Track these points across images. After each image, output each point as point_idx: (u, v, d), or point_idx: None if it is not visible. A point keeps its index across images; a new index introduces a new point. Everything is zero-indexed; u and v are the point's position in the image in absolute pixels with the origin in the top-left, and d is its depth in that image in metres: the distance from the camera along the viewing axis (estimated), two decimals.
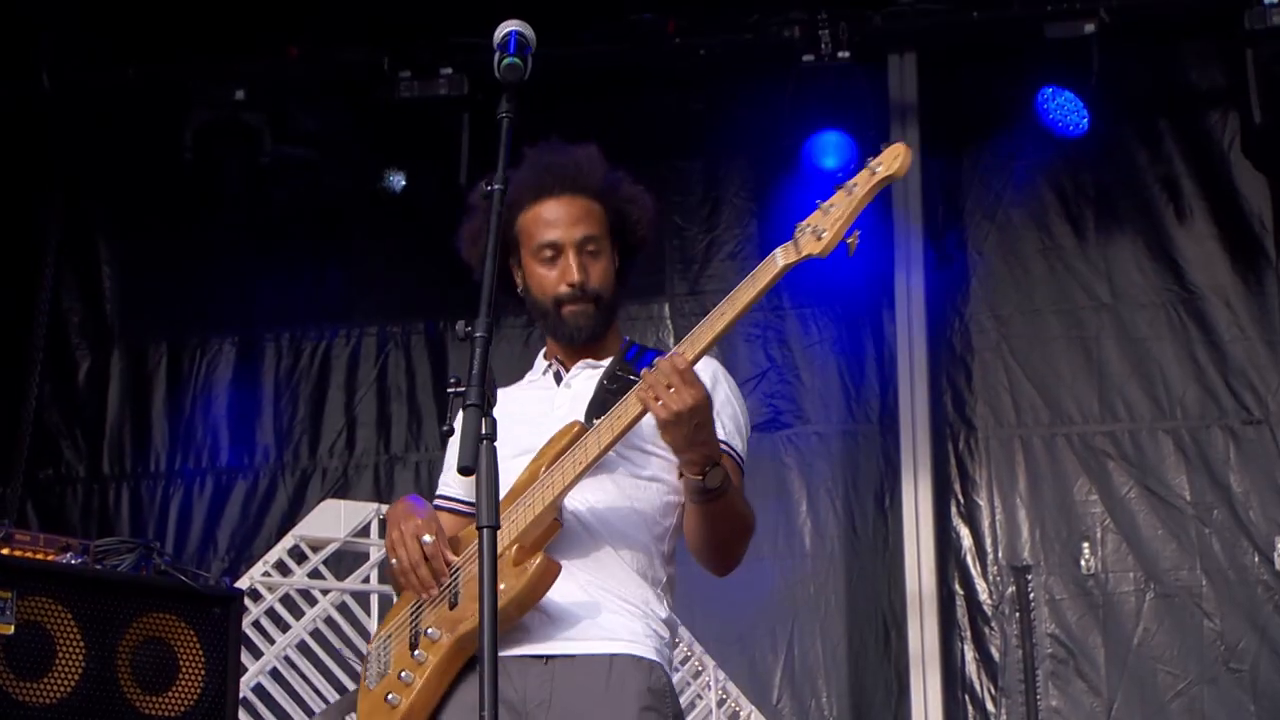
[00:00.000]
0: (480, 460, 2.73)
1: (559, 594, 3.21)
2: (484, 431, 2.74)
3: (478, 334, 2.83)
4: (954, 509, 6.88)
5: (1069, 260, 7.00)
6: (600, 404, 3.32)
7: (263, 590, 6.15)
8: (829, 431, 7.07)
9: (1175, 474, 6.73)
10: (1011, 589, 6.72)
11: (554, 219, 3.40)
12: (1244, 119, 6.74)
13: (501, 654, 3.12)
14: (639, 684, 3.22)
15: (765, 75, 6.98)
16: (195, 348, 7.50)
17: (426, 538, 3.23)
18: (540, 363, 3.58)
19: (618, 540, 3.30)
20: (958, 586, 6.81)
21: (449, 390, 2.81)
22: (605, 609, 3.25)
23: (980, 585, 6.79)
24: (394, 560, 3.28)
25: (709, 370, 3.40)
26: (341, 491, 7.10)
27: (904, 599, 6.78)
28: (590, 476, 3.26)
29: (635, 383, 3.32)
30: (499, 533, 3.15)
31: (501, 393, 3.49)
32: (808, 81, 6.85)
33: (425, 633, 3.25)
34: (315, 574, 6.26)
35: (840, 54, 6.68)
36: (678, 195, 7.36)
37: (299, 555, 6.27)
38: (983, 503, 6.85)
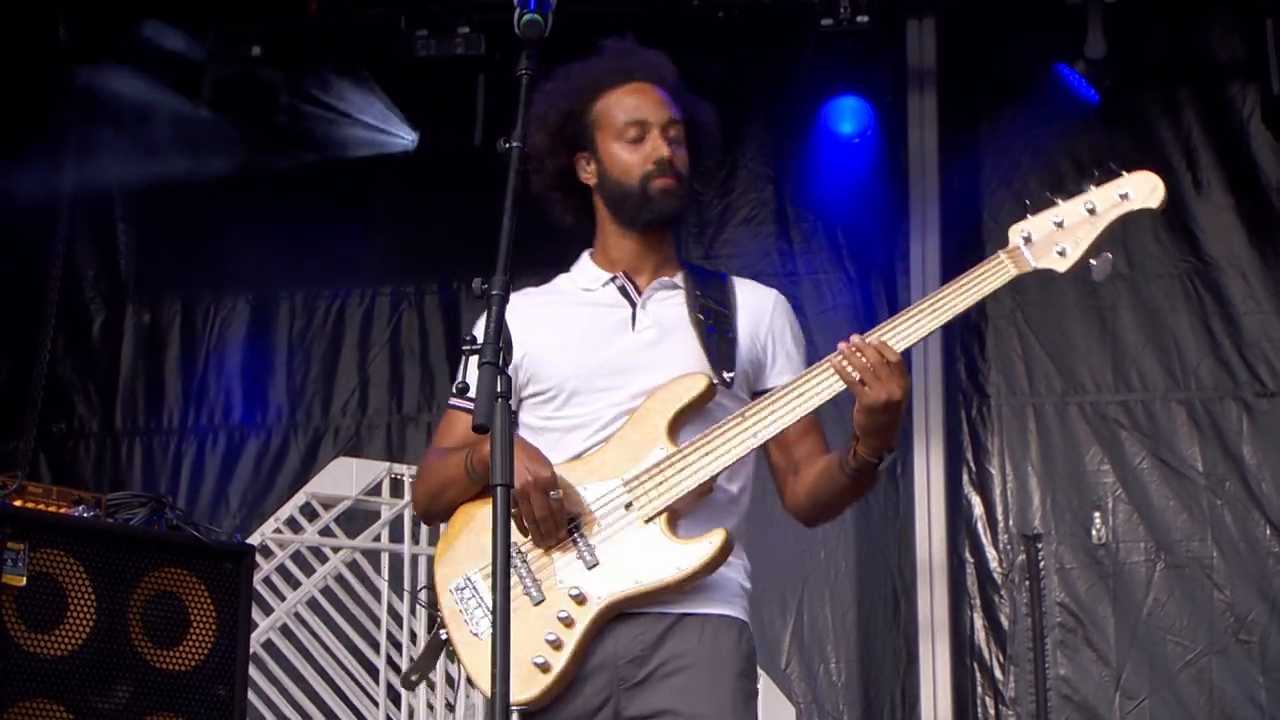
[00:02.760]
0: (495, 419, 2.72)
1: None
2: (499, 390, 2.73)
3: (494, 292, 2.81)
4: (965, 476, 6.87)
5: None
6: (716, 350, 3.29)
7: (274, 547, 6.18)
8: (842, 397, 7.02)
9: (1188, 445, 6.71)
10: (1022, 557, 6.71)
11: (639, 101, 3.39)
12: (1264, 90, 6.72)
13: None
14: (734, 648, 3.22)
15: (783, 39, 6.95)
16: (209, 304, 7.50)
17: (554, 493, 3.15)
18: (591, 269, 3.47)
19: (720, 495, 3.27)
20: (968, 554, 6.81)
21: (464, 349, 2.79)
22: None
23: (990, 553, 6.79)
24: (517, 509, 3.17)
25: (784, 306, 3.44)
26: (354, 451, 7.10)
27: (914, 566, 6.78)
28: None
29: (725, 314, 3.34)
30: (632, 488, 3.18)
31: (528, 294, 3.44)
32: (826, 46, 6.81)
33: (569, 594, 3.16)
34: (326, 531, 6.28)
35: (859, 19, 6.64)
36: None
37: (310, 512, 6.29)
38: (994, 471, 6.85)
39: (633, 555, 3.17)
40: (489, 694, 3.14)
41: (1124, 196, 3.13)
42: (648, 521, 3.18)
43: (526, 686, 3.14)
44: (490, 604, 3.17)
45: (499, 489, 2.68)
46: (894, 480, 6.91)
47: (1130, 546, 6.67)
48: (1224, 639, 6.49)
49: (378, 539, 6.29)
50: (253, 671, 5.52)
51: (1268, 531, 6.55)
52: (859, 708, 6.77)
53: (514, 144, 2.99)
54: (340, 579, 6.28)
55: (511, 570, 3.19)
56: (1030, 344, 6.90)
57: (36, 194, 7.44)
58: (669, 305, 3.38)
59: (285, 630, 6.17)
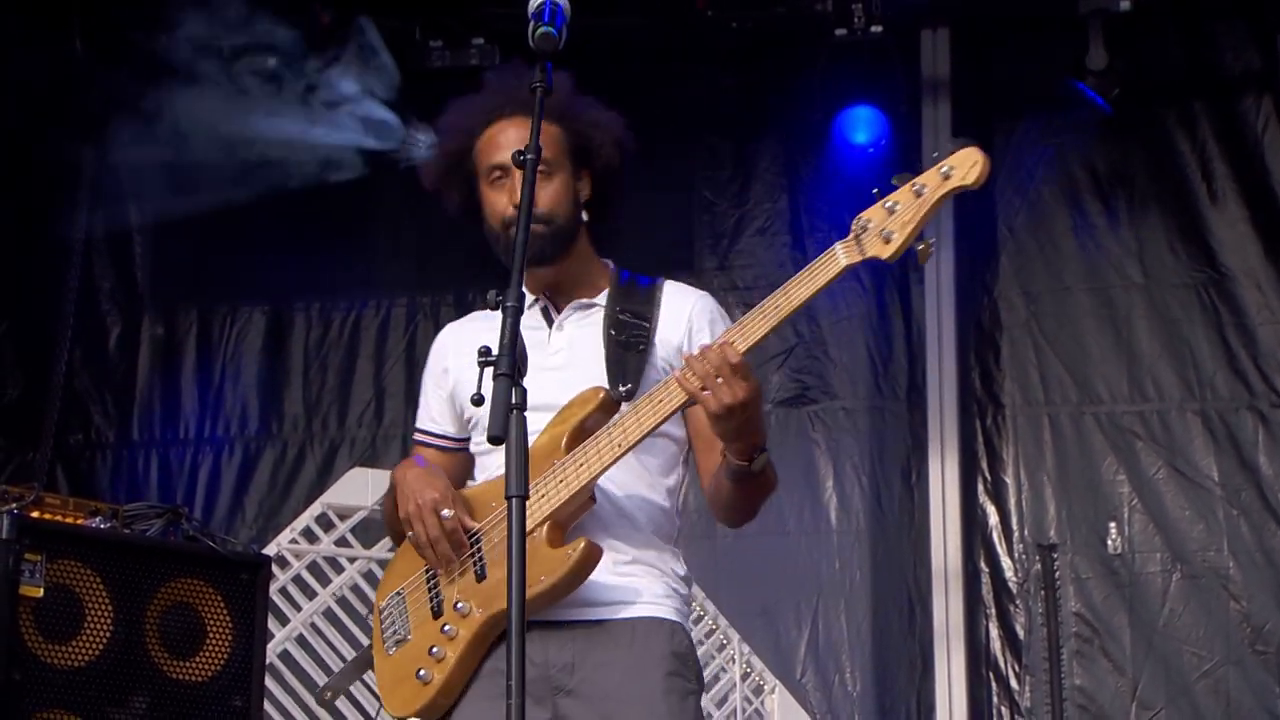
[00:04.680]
0: (510, 430, 2.72)
1: None
2: (514, 401, 2.73)
3: (509, 303, 2.81)
4: (980, 486, 6.87)
5: (1100, 239, 6.97)
6: (619, 363, 3.28)
7: (290, 557, 6.18)
8: (856, 407, 7.06)
9: (1204, 455, 6.71)
10: (1037, 567, 6.71)
11: (502, 140, 3.32)
12: (1277, 102, 6.74)
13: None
14: (663, 647, 3.21)
15: (797, 49, 6.96)
16: (225, 316, 7.52)
17: (446, 512, 3.19)
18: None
19: (634, 501, 3.28)
20: (983, 564, 6.81)
21: (479, 361, 2.80)
22: (626, 572, 3.24)
23: (1006, 563, 6.79)
24: (410, 534, 3.25)
25: (706, 307, 3.40)
26: (369, 461, 7.10)
27: (929, 576, 6.79)
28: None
29: (641, 325, 3.32)
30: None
31: (461, 324, 3.50)
32: (840, 56, 6.83)
33: (455, 606, 3.20)
34: (342, 542, 6.29)
35: (873, 28, 6.65)
36: (708, 170, 7.36)
37: (326, 523, 6.29)
38: (1009, 480, 6.85)
39: None
40: (387, 709, 3.27)
41: (946, 176, 3.04)
42: (529, 533, 3.12)
43: (412, 700, 3.22)
44: (407, 619, 3.30)
45: (513, 500, 2.68)
46: (909, 489, 6.92)
47: (1146, 557, 6.67)
48: (1240, 649, 6.49)
49: (393, 549, 6.29)
50: (269, 682, 5.52)
51: None
52: (874, 718, 6.77)
53: (527, 156, 3.00)
54: (356, 589, 6.28)
55: (425, 588, 3.27)
56: (1045, 354, 6.90)
57: (54, 208, 7.47)
58: (585, 325, 3.37)
59: (301, 641, 6.18)
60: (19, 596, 4.15)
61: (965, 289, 7.02)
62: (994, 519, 6.84)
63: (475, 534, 3.24)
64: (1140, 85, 6.77)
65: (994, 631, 6.75)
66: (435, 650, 3.21)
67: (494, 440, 2.70)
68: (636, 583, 3.24)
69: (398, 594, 3.35)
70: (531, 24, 3.07)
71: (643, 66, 7.10)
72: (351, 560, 6.28)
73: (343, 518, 6.30)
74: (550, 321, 3.39)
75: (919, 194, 3.04)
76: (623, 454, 3.16)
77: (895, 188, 3.07)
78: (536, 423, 3.21)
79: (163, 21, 7.00)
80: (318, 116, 6.98)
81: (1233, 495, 6.63)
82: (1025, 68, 7.01)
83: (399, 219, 7.48)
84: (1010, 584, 6.77)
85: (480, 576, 3.21)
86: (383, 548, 6.30)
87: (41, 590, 4.20)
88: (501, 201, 3.31)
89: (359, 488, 6.39)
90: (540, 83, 3.08)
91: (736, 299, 7.13)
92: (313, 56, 6.89)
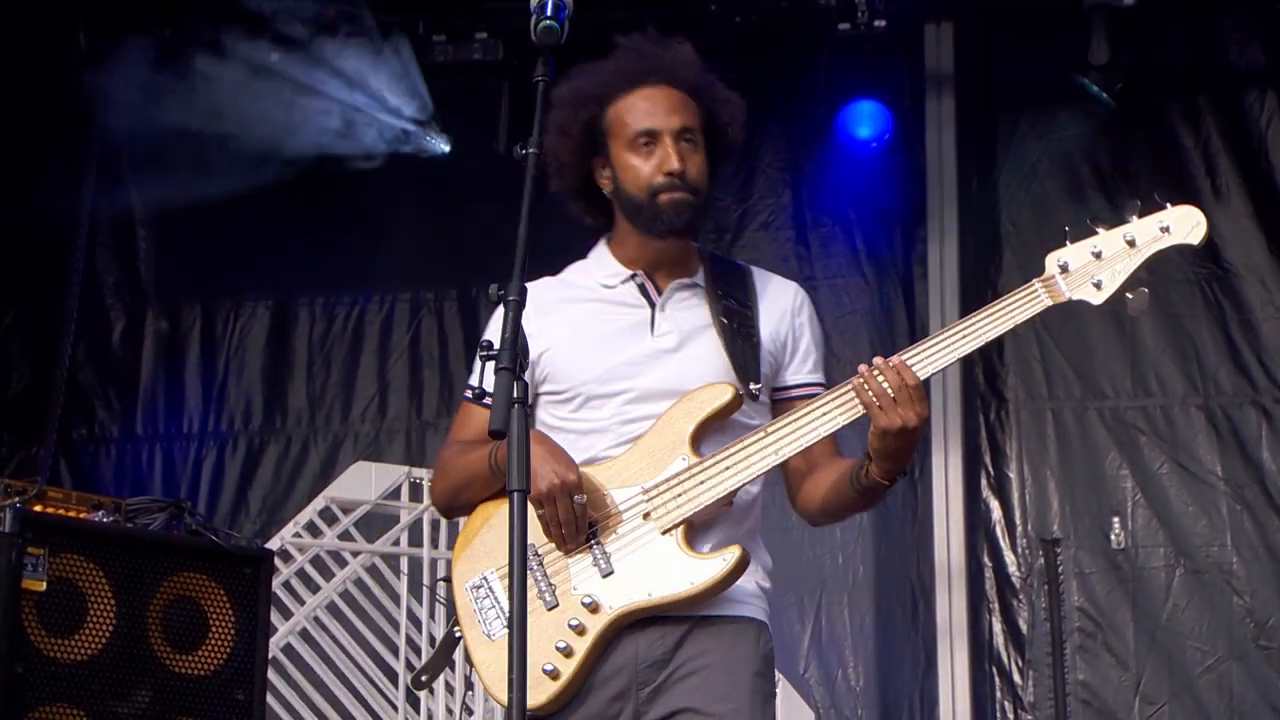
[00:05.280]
0: (511, 425, 2.72)
1: None
2: (516, 396, 2.73)
3: (510, 297, 2.81)
4: (984, 481, 6.87)
5: None
6: (741, 359, 3.27)
7: (293, 551, 6.20)
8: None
9: (1207, 450, 6.70)
10: (1040, 562, 6.70)
11: (650, 107, 3.32)
12: None
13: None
14: (752, 649, 3.24)
15: (800, 44, 6.96)
16: (229, 310, 7.51)
17: (579, 498, 3.15)
18: (610, 262, 3.41)
19: (742, 497, 3.27)
20: (986, 559, 6.80)
21: (480, 355, 2.79)
22: None
23: (1009, 558, 6.78)
24: (542, 511, 3.16)
25: (806, 302, 3.43)
26: (373, 456, 7.10)
27: (932, 570, 6.78)
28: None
29: (747, 315, 3.32)
30: (651, 498, 3.18)
31: (543, 286, 3.36)
32: (843, 50, 6.83)
33: (581, 601, 3.17)
34: (345, 536, 6.30)
35: (876, 23, 6.64)
36: None
37: (330, 517, 6.30)
38: (1013, 475, 6.84)
39: (648, 566, 3.17)
40: (499, 699, 3.12)
41: (1165, 230, 3.11)
42: (665, 533, 3.17)
43: (534, 693, 3.12)
44: (506, 606, 3.18)
45: (515, 494, 2.69)
46: (912, 484, 6.90)
47: (1149, 552, 6.66)
48: (1244, 644, 6.48)
49: (397, 543, 6.31)
50: (272, 676, 5.53)
51: None
52: (877, 712, 6.76)
53: (530, 150, 2.99)
54: (359, 583, 6.30)
55: (528, 573, 3.20)
56: (1049, 349, 6.89)
57: (57, 201, 7.47)
58: (689, 307, 3.35)
59: (304, 634, 6.19)
60: (22, 590, 4.16)
61: (969, 284, 7.01)
62: (997, 514, 6.83)
63: (592, 524, 3.21)
64: (1144, 80, 6.76)
65: (997, 626, 6.75)
66: (562, 644, 3.16)
67: (495, 435, 2.70)
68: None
69: (488, 579, 3.25)
70: (534, 18, 3.07)
71: None
72: (355, 554, 6.30)
73: (346, 512, 6.32)
74: (650, 301, 3.36)
75: (1131, 243, 3.11)
76: (778, 463, 3.18)
77: (1092, 230, 3.13)
78: (651, 407, 3.24)
79: (166, 14, 7.03)
80: (338, 101, 6.99)
81: (1236, 490, 6.62)
82: (1029, 62, 7.00)
83: (403, 214, 7.48)
84: (1013, 579, 6.77)
85: (606, 572, 3.18)
86: (386, 541, 6.31)
87: (44, 584, 4.22)
88: (648, 168, 3.30)
89: (362, 482, 6.40)
90: (543, 77, 3.07)
91: None
92: (320, 46, 6.91)
